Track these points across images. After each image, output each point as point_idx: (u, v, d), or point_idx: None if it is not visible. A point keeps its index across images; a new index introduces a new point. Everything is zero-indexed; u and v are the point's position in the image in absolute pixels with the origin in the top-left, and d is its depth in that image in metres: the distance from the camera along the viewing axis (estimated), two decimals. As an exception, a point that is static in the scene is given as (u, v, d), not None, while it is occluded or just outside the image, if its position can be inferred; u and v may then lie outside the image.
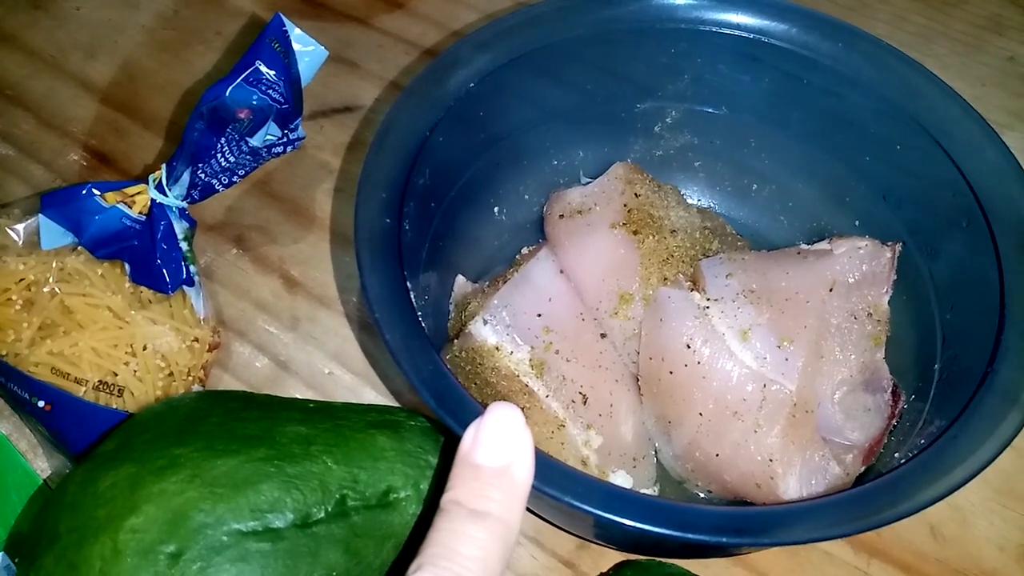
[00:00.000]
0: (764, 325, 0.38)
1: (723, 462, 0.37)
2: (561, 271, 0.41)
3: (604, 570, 0.38)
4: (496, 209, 0.46)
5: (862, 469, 0.37)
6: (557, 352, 0.38)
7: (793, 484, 0.35)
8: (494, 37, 0.40)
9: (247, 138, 0.37)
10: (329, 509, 0.31)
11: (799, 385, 0.36)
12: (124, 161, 0.53)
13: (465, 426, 0.24)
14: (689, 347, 0.37)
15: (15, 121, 0.55)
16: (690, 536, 0.26)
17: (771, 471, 0.36)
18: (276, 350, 0.45)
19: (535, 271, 0.40)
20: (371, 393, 0.44)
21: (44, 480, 0.39)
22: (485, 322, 0.38)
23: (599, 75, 0.44)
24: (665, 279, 0.40)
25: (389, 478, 0.32)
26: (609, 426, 0.38)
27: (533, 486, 0.24)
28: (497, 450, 0.23)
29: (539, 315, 0.39)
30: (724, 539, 0.26)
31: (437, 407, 0.29)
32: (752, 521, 0.27)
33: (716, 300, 0.38)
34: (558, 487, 0.27)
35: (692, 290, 0.39)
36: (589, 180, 0.46)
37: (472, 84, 0.40)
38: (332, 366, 0.45)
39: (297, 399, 0.35)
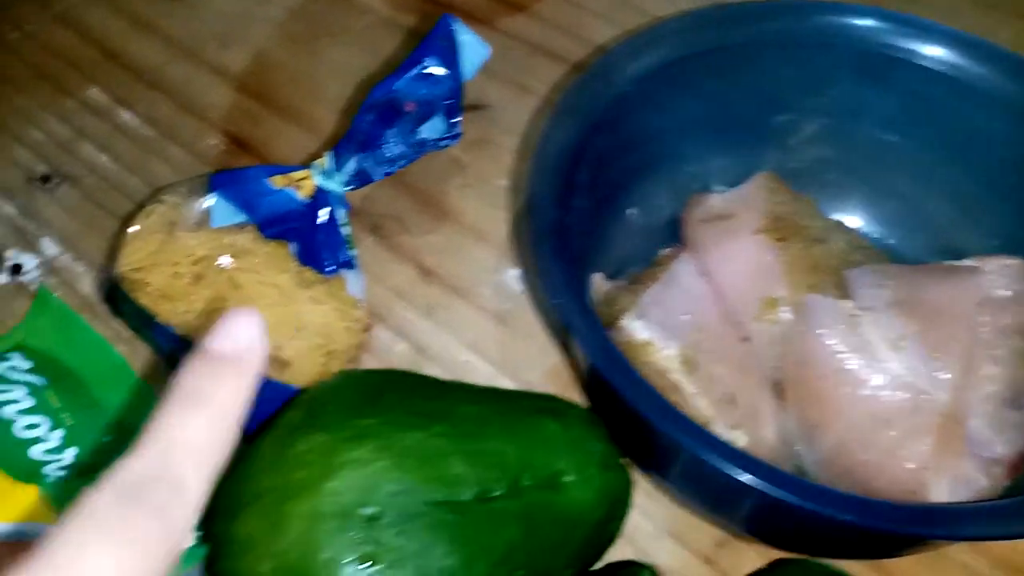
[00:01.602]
0: (915, 336, 0.38)
1: (870, 468, 0.38)
2: (702, 274, 0.42)
3: (744, 568, 0.39)
4: (629, 211, 0.46)
5: (1007, 483, 0.38)
6: (706, 352, 0.39)
7: (944, 492, 0.36)
8: (647, 44, 0.41)
9: (416, 130, 0.38)
10: (506, 487, 0.32)
11: (950, 397, 0.37)
12: (261, 148, 0.54)
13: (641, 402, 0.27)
14: (840, 354, 0.38)
15: (155, 105, 0.57)
16: (912, 530, 0.27)
17: (922, 479, 0.36)
18: (414, 336, 0.47)
19: (682, 272, 0.41)
20: (507, 382, 0.45)
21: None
22: (638, 317, 0.39)
23: (741, 86, 0.45)
24: (812, 287, 0.41)
25: (558, 462, 0.33)
26: (753, 428, 0.39)
27: (725, 473, 0.25)
28: (228, 338, 0.22)
29: (688, 315, 0.40)
30: (939, 532, 0.27)
31: (626, 389, 0.30)
32: (963, 514, 0.28)
33: (866, 309, 0.39)
34: (760, 476, 0.28)
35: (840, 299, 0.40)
36: (722, 188, 0.47)
37: (627, 88, 0.41)
38: (468, 355, 0.46)
39: (463, 382, 0.36)
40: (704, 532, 0.40)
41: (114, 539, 0.18)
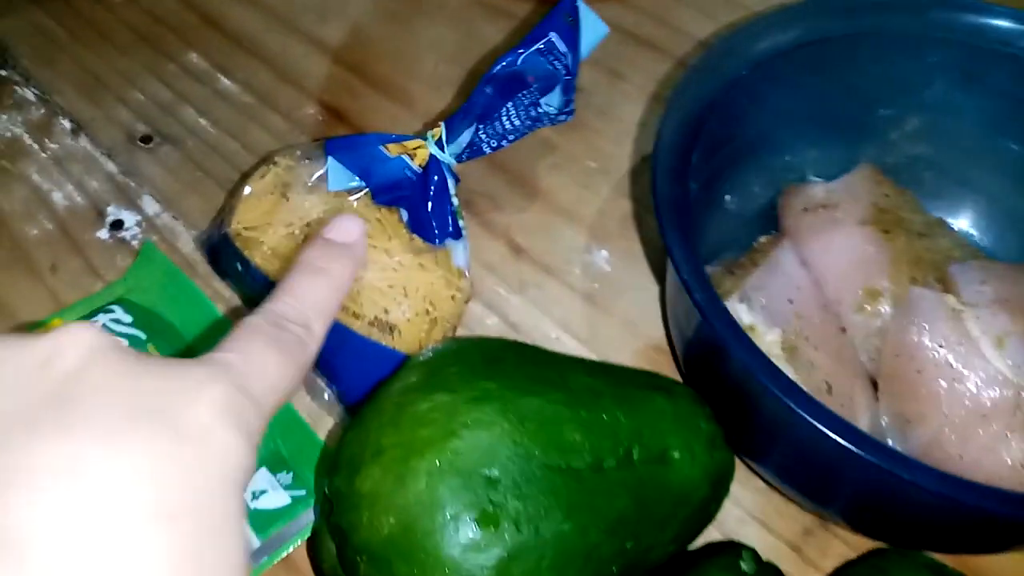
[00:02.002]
0: (1019, 334, 0.38)
1: (967, 464, 0.38)
2: (802, 262, 0.43)
3: (830, 557, 0.39)
4: (727, 198, 0.47)
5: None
6: (806, 339, 0.40)
7: (1045, 491, 0.36)
8: (766, 29, 0.42)
9: (536, 104, 0.39)
10: (618, 458, 0.32)
11: (1054, 396, 0.37)
12: (357, 119, 0.55)
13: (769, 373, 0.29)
14: (942, 347, 0.38)
15: (254, 72, 0.58)
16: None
17: (1022, 476, 0.36)
18: (505, 311, 0.47)
19: (784, 259, 0.41)
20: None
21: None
22: (742, 300, 0.39)
23: (848, 77, 0.45)
24: (914, 280, 0.41)
25: (667, 438, 0.34)
26: (848, 418, 0.39)
27: (851, 454, 0.28)
28: (343, 232, 0.30)
29: (790, 301, 0.40)
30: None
31: (753, 359, 0.30)
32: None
33: (970, 305, 0.39)
34: (890, 460, 0.28)
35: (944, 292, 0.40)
36: (818, 179, 0.47)
37: (741, 72, 0.41)
38: (558, 331, 0.47)
39: (573, 355, 0.37)
40: (791, 519, 0.41)
41: (271, 345, 0.24)
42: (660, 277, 0.48)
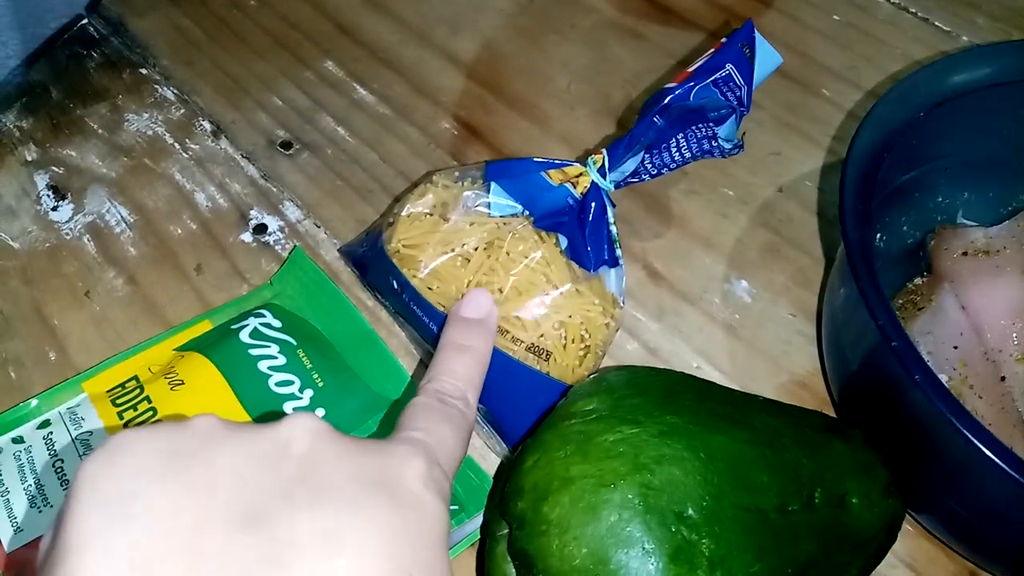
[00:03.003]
0: None
1: None
2: (962, 307, 0.42)
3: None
4: (879, 236, 0.46)
5: None
6: (971, 386, 0.39)
7: None
8: (946, 71, 0.41)
9: (711, 137, 0.39)
10: (803, 500, 0.32)
11: None
12: (491, 136, 0.56)
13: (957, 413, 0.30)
14: (1115, 405, 0.38)
15: (389, 84, 0.58)
16: None
17: None
18: (644, 337, 0.47)
19: (948, 304, 0.41)
20: (742, 394, 0.45)
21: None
22: (909, 346, 0.39)
23: (1017, 121, 0.45)
24: (1082, 333, 0.40)
25: (847, 482, 0.34)
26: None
27: None
28: (475, 309, 0.37)
29: (955, 347, 0.40)
30: None
31: (943, 399, 0.30)
32: None
33: None
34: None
35: (1115, 349, 0.39)
36: (970, 221, 0.47)
37: (917, 114, 0.41)
38: (699, 360, 0.46)
39: (745, 391, 0.37)
40: (942, 567, 0.40)
41: (445, 421, 0.30)
42: (807, 309, 0.48)
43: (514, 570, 0.32)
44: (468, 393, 0.32)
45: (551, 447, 0.32)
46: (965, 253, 0.43)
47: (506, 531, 0.33)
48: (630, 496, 0.30)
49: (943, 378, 0.39)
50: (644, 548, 0.29)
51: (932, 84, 0.40)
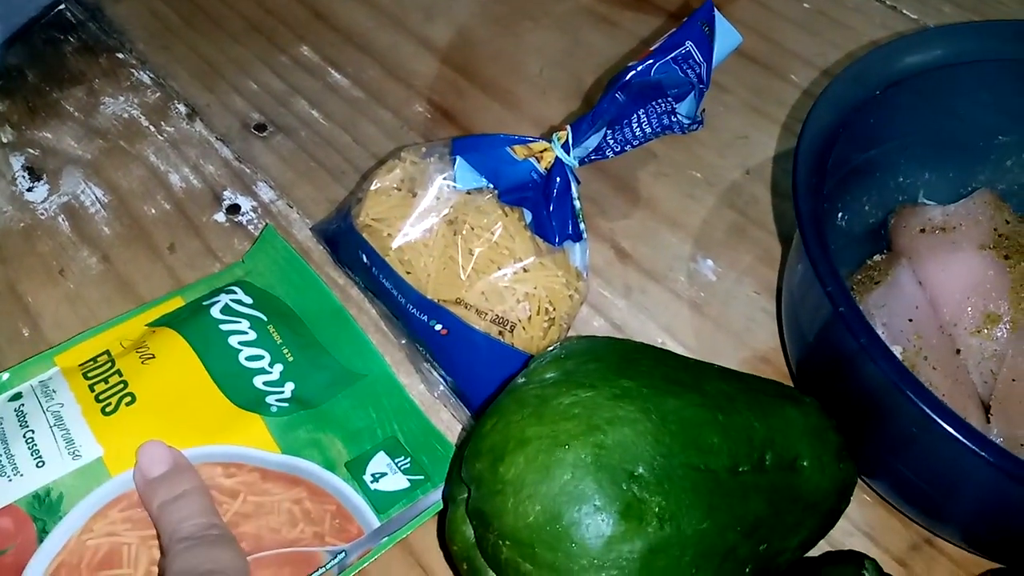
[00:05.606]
0: None
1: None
2: (918, 282, 0.43)
3: (937, 574, 0.39)
4: (840, 215, 0.47)
5: None
6: (925, 358, 0.40)
7: None
8: (901, 51, 0.42)
9: (670, 112, 0.40)
10: (753, 462, 0.33)
11: None
12: (464, 119, 0.56)
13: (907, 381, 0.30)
14: (1064, 374, 0.39)
15: (364, 68, 0.59)
16: None
17: None
18: (611, 314, 0.48)
19: (905, 279, 0.42)
20: (705, 369, 0.46)
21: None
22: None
23: (970, 103, 0.46)
24: (1034, 306, 0.41)
25: (798, 446, 0.34)
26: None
27: (987, 464, 0.29)
28: (158, 464, 0.36)
29: (910, 320, 0.41)
30: None
31: (892, 367, 0.31)
32: None
33: (1093, 333, 0.39)
34: None
35: (1065, 321, 0.40)
36: (929, 201, 0.48)
37: (873, 94, 0.41)
38: (664, 336, 0.47)
39: (701, 360, 0.38)
40: (898, 534, 0.41)
41: (214, 547, 0.33)
42: (771, 288, 0.49)
43: (472, 531, 0.33)
44: (212, 519, 0.35)
45: (508, 411, 0.33)
46: (923, 230, 0.44)
47: (466, 495, 0.34)
48: (583, 455, 0.31)
49: (897, 350, 0.40)
50: (595, 505, 0.30)
51: (886, 63, 0.41)
